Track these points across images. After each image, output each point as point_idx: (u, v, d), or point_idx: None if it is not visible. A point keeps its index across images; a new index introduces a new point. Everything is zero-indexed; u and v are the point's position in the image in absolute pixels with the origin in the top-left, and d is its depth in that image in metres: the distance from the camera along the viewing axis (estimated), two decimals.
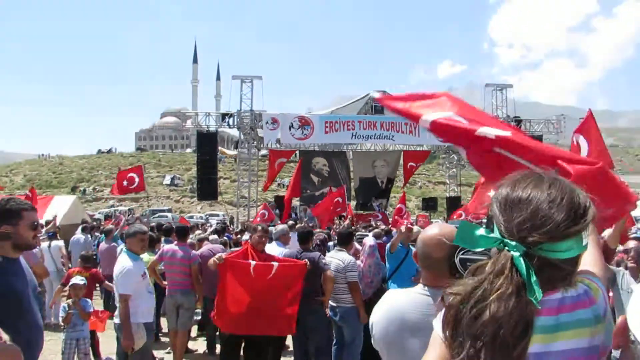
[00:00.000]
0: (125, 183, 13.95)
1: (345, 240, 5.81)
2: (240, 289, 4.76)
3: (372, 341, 1.92)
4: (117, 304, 4.65)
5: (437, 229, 1.89)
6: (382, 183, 26.28)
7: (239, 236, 13.26)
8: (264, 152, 26.97)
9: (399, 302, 1.84)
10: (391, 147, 26.63)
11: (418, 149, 26.08)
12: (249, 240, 5.27)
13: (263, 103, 33.86)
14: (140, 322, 4.65)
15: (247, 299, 4.74)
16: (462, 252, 1.78)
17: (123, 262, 4.67)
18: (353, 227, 7.63)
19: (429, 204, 27.61)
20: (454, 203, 24.88)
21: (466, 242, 1.13)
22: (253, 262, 4.89)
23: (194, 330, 7.79)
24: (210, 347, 7.33)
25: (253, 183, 23.85)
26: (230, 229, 15.33)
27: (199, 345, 7.69)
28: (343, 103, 27.06)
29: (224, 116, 22.12)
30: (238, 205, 24.54)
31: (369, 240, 6.20)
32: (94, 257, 8.70)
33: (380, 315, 1.85)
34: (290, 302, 4.89)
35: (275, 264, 4.86)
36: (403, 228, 5.50)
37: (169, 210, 39.20)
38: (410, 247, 5.69)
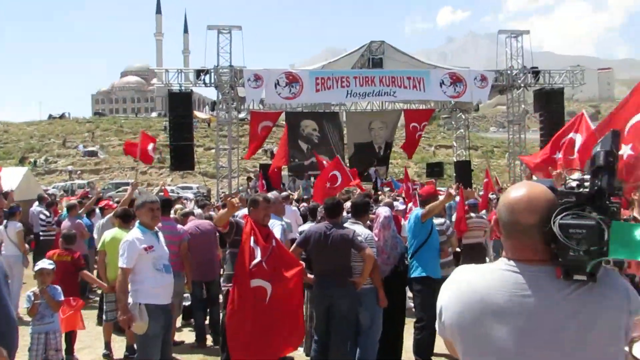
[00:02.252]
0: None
1: (361, 211, 5.79)
2: (245, 315, 4.74)
3: (439, 329, 1.79)
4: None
5: (526, 188, 1.72)
6: (379, 149, 26.27)
7: (221, 211, 13.35)
8: (244, 114, 26.61)
9: (478, 280, 1.70)
10: (390, 106, 26.50)
11: (421, 107, 25.96)
12: (249, 214, 5.14)
13: (243, 58, 32.81)
14: (141, 303, 4.59)
15: (252, 325, 4.74)
16: (561, 215, 1.64)
17: (128, 235, 4.96)
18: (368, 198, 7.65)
19: (434, 170, 27.68)
20: (463, 168, 24.96)
21: (628, 249, 0.93)
22: (255, 261, 4.81)
23: (178, 320, 7.69)
24: (200, 338, 7.25)
25: (233, 150, 23.58)
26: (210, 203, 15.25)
27: (186, 337, 7.60)
28: (332, 58, 26.67)
29: (198, 73, 21.61)
30: (217, 177, 24.33)
31: (383, 210, 6.16)
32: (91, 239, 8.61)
33: (453, 297, 1.72)
34: (295, 312, 4.98)
35: (269, 288, 4.79)
36: (452, 191, 5.79)
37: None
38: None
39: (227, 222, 5.03)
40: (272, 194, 6.41)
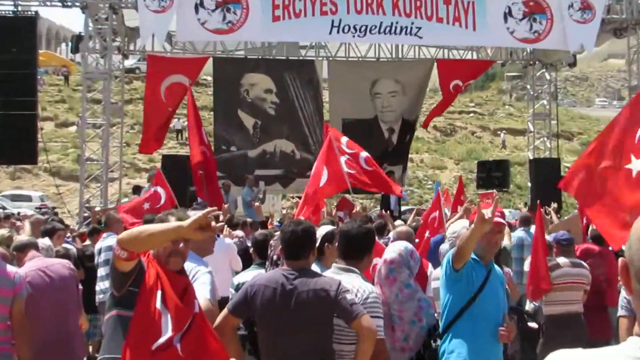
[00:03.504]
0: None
1: (359, 248, 5.95)
2: None
3: None
4: None
5: None
6: (390, 132, 26.56)
7: (87, 241, 13.31)
8: (135, 61, 26.53)
9: None
10: (410, 53, 26.75)
11: (467, 56, 26.19)
12: (152, 252, 5.16)
13: None
14: None
15: None
16: None
17: None
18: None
19: (492, 176, 27.93)
20: (546, 172, 25.16)
21: None
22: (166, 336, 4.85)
23: None
24: None
25: (114, 130, 23.44)
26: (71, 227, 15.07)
27: None
28: None
29: None
30: (80, 179, 24.16)
31: (393, 251, 6.46)
32: None
33: None
34: None
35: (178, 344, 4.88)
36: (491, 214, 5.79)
37: None
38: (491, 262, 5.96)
39: (140, 253, 5.01)
40: (192, 213, 6.41)
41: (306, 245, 5.71)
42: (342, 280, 5.62)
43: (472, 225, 5.90)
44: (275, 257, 7.18)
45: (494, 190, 22.42)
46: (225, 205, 14.05)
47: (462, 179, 19.97)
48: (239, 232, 12.85)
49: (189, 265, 5.94)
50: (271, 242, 7.57)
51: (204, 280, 5.96)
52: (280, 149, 25.10)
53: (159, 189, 14.79)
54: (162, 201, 14.54)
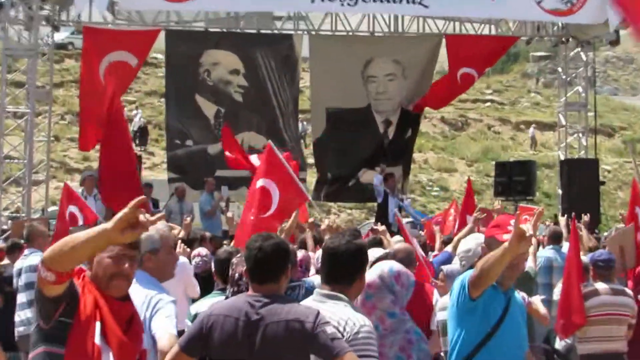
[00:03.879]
0: None
1: (347, 270, 5.92)
2: None
3: None
4: None
5: None
6: (387, 125, 26.61)
7: (5, 260, 13.27)
8: (68, 34, 26.39)
9: None
10: (412, 26, 26.77)
11: (484, 31, 26.22)
12: (89, 274, 5.15)
13: None
14: None
15: None
16: None
17: None
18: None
19: (513, 180, 27.96)
20: (582, 177, 25.28)
21: None
22: None
23: None
24: None
25: (41, 118, 23.33)
26: None
27: None
28: None
29: None
30: None
31: (371, 273, 6.53)
32: None
33: None
34: None
35: None
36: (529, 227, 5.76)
37: None
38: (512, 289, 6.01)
39: (70, 272, 4.96)
40: (157, 228, 6.40)
41: (277, 266, 5.70)
42: (326, 310, 5.61)
43: (506, 244, 5.81)
44: (237, 276, 7.18)
45: (537, 207, 22.17)
46: (188, 219, 14.08)
47: (471, 183, 20.05)
48: (202, 250, 12.70)
49: (146, 293, 6.08)
50: (233, 259, 7.57)
51: (168, 311, 6.04)
52: (248, 145, 24.54)
53: (72, 208, 14.62)
54: (81, 222, 14.36)
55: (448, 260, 11.35)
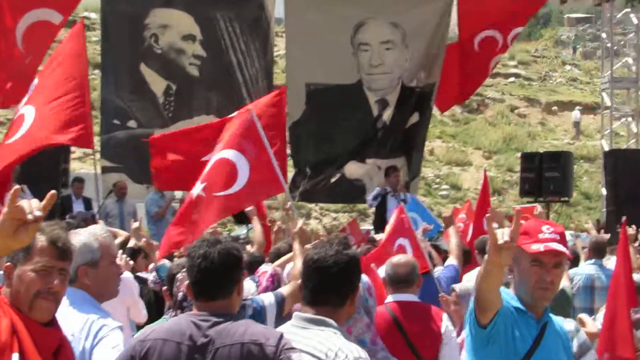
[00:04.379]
0: None
1: (338, 286, 5.91)
2: None
3: None
4: None
5: None
6: (381, 106, 26.69)
7: None
8: None
9: None
10: None
11: None
12: (5, 291, 5.20)
13: None
14: None
15: None
16: None
17: None
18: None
19: (543, 174, 28.08)
20: (633, 169, 25.38)
21: None
22: None
23: None
24: None
25: None
26: None
27: None
28: None
29: None
30: None
31: None
32: None
33: None
34: None
35: None
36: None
37: None
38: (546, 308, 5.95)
39: None
40: (95, 234, 6.45)
41: (227, 277, 5.73)
42: (310, 338, 5.65)
43: (486, 255, 5.82)
44: (181, 296, 7.31)
45: (536, 205, 22.27)
46: (135, 224, 13.94)
47: (488, 178, 19.98)
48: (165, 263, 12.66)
49: (86, 318, 6.07)
50: (178, 275, 7.61)
51: (114, 341, 6.04)
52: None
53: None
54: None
55: (455, 276, 11.47)
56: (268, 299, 7.90)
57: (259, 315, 7.37)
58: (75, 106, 15.56)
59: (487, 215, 5.96)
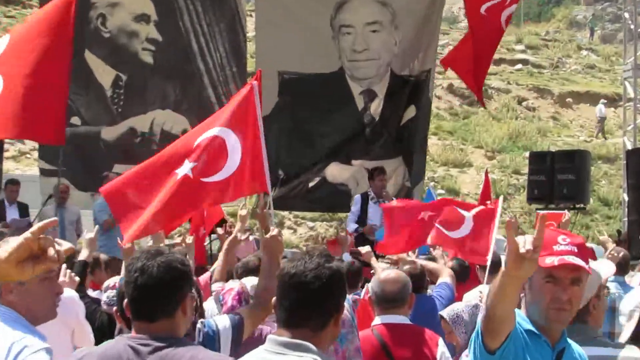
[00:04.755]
0: None
1: (320, 304, 5.86)
2: None
3: None
4: None
5: None
6: (367, 98, 26.72)
7: None
8: None
9: None
10: None
11: None
12: None
13: None
14: None
15: None
16: None
17: None
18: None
19: (555, 176, 28.21)
20: None
21: None
22: None
23: None
24: None
25: None
26: None
27: None
28: None
29: None
30: None
31: None
32: None
33: None
34: None
35: None
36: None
37: None
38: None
39: None
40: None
41: (170, 293, 5.78)
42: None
43: (502, 268, 5.73)
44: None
45: (565, 212, 22.09)
46: (89, 234, 13.87)
47: (490, 180, 20.02)
48: (112, 281, 12.60)
49: (8, 339, 5.99)
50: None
51: None
52: (161, 127, 24.83)
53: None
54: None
55: (450, 295, 11.51)
56: (223, 321, 7.90)
57: (210, 340, 7.42)
58: (55, 96, 15.64)
59: (511, 221, 6.02)
